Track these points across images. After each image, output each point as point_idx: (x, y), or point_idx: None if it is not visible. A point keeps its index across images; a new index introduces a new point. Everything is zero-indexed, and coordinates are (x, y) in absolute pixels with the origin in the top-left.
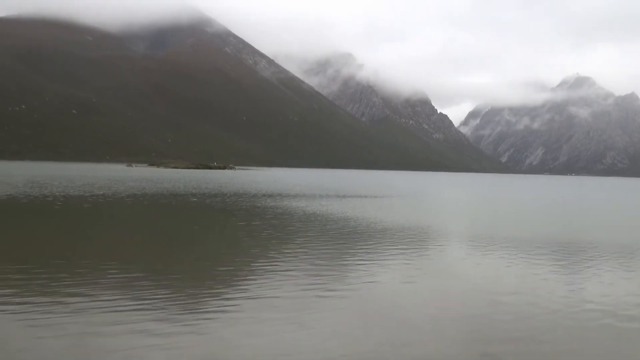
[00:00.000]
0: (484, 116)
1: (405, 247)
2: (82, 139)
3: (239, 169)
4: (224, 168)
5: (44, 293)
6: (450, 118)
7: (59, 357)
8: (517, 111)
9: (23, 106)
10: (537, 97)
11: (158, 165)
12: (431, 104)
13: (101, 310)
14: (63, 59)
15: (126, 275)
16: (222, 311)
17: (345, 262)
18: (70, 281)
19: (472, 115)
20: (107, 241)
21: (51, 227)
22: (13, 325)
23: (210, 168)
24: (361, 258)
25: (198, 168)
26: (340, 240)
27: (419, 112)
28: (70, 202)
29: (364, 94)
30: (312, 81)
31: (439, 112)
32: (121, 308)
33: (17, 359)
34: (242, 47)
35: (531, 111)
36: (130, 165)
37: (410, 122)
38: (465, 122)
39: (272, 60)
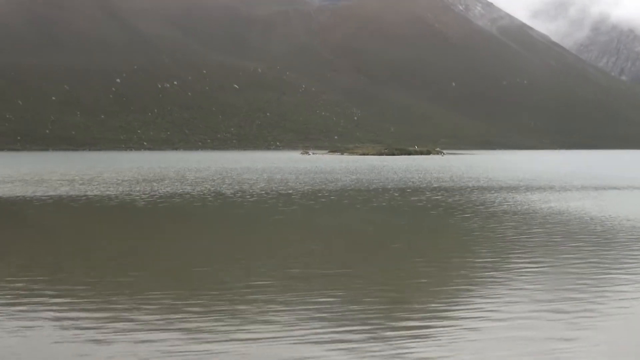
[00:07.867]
0: None
1: None
2: (247, 121)
3: (447, 153)
4: (428, 153)
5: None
6: None
7: None
8: None
9: (175, 82)
10: None
11: (342, 151)
12: None
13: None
14: (223, 21)
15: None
16: (469, 323)
17: (605, 274)
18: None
19: None
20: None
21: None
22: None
23: (410, 153)
24: (626, 269)
25: (394, 154)
26: (599, 246)
27: None
28: (267, 202)
29: (622, 42)
30: (547, 28)
31: None
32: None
33: None
34: None
35: None
36: (307, 153)
37: None
38: None
39: (491, 3)
